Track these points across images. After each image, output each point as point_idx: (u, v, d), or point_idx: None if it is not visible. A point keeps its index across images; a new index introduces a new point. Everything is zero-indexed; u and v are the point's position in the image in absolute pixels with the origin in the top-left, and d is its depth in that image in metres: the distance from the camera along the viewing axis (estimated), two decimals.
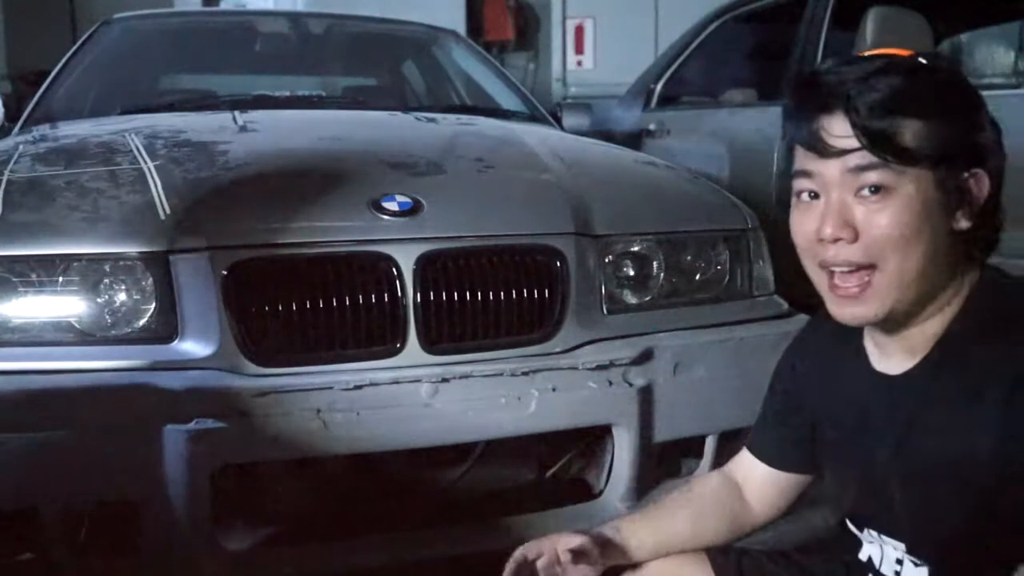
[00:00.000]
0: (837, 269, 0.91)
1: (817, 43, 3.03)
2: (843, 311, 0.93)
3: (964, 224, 0.91)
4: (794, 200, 0.96)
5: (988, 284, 0.94)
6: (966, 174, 0.90)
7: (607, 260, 1.64)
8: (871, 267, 0.89)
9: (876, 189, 0.88)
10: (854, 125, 0.87)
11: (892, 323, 0.95)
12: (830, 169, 0.90)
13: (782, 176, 1.00)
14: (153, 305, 1.42)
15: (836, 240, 0.89)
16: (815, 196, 0.92)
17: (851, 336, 1.05)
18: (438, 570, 1.49)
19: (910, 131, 0.87)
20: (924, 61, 0.92)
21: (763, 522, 1.21)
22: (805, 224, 0.93)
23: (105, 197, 1.52)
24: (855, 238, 0.89)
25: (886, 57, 0.92)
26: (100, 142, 1.87)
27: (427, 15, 3.59)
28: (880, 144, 0.87)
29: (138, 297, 1.42)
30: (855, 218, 0.89)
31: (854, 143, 0.88)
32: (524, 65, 7.46)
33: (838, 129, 0.89)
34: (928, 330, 0.94)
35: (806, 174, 0.93)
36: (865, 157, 0.87)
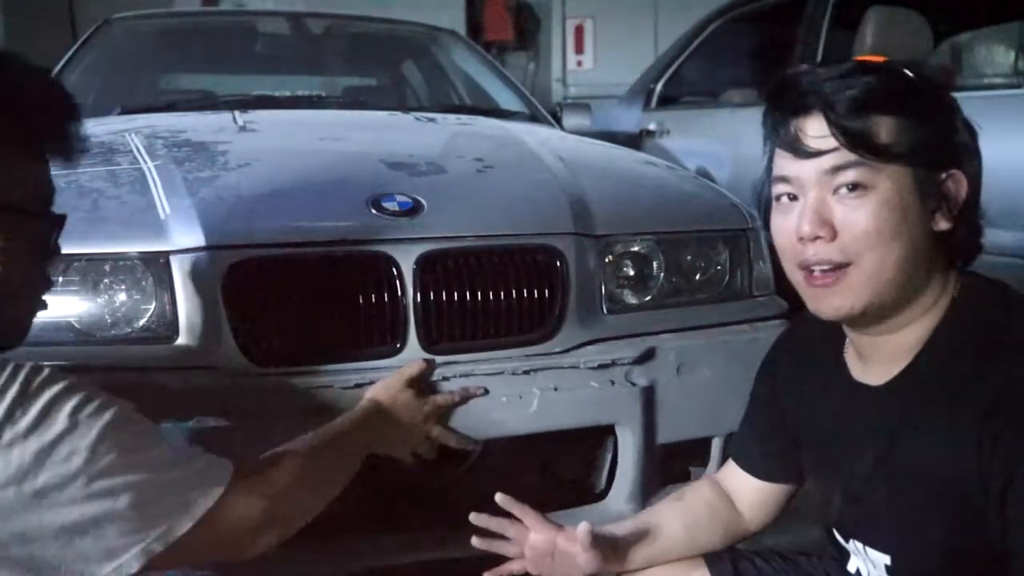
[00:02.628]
0: (816, 268, 0.91)
1: (817, 43, 3.04)
2: (820, 304, 0.93)
3: (944, 225, 0.91)
4: (774, 204, 0.96)
5: (970, 293, 0.93)
6: (943, 174, 0.90)
7: (607, 260, 1.64)
8: (848, 265, 0.90)
9: (854, 187, 0.88)
10: (830, 123, 0.88)
11: (871, 324, 0.94)
12: (807, 170, 0.90)
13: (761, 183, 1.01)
14: (153, 305, 1.42)
15: (815, 239, 0.90)
16: (794, 198, 0.93)
17: (830, 347, 1.05)
18: (438, 571, 1.49)
19: (886, 128, 0.88)
20: (898, 64, 0.93)
21: (755, 529, 1.21)
22: (784, 224, 0.94)
23: (105, 197, 1.52)
24: (833, 236, 0.89)
25: (860, 61, 0.93)
26: (100, 142, 1.86)
27: (427, 15, 3.59)
28: (856, 142, 0.87)
29: (138, 297, 1.42)
30: (833, 216, 0.89)
31: (830, 143, 0.88)
32: (524, 65, 7.47)
33: (814, 130, 0.89)
34: (909, 338, 0.94)
35: (784, 179, 0.93)
36: (842, 156, 0.88)
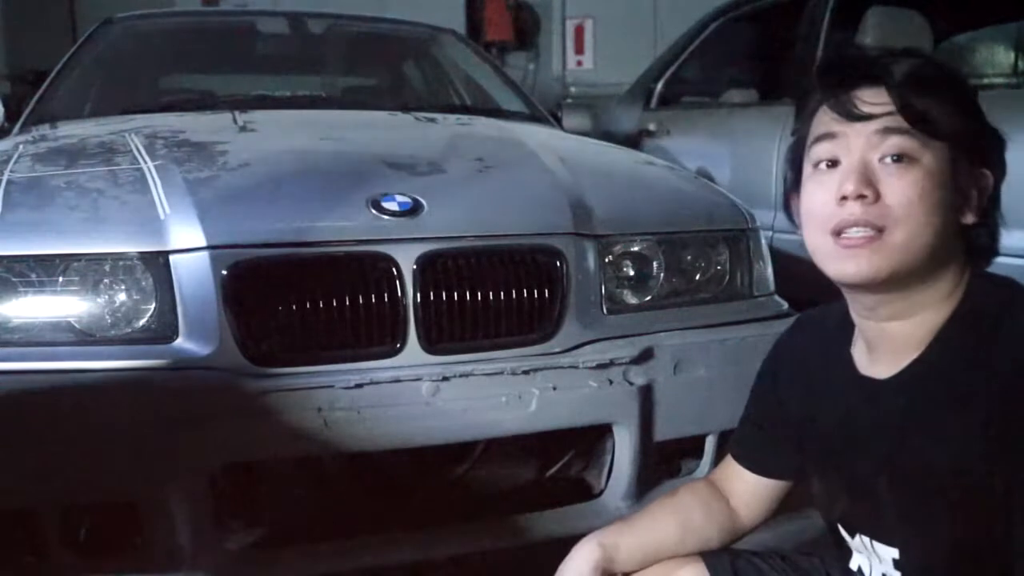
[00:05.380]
0: (849, 231, 0.90)
1: (817, 43, 3.03)
2: (845, 264, 0.91)
3: (970, 219, 0.93)
4: (809, 171, 0.95)
5: (980, 287, 0.94)
6: (977, 170, 0.92)
7: (607, 260, 1.64)
8: (883, 231, 0.89)
9: (899, 157, 0.89)
10: (889, 89, 0.90)
11: (884, 305, 0.94)
12: (856, 130, 0.91)
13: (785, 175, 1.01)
14: (153, 305, 1.42)
15: (858, 197, 0.89)
16: (832, 165, 0.93)
17: (837, 341, 1.05)
18: (438, 570, 1.49)
19: (937, 107, 0.90)
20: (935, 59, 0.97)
21: (751, 527, 1.21)
22: (822, 190, 0.93)
23: (105, 197, 1.52)
24: (876, 198, 0.89)
25: (905, 48, 0.96)
26: (100, 142, 1.87)
27: (427, 15, 3.59)
28: (912, 111, 0.89)
29: (138, 297, 1.42)
30: (877, 180, 0.90)
31: (885, 108, 0.90)
32: (524, 65, 7.46)
33: (870, 97, 0.91)
34: (919, 328, 0.94)
35: (830, 135, 0.93)
36: (894, 120, 0.89)
